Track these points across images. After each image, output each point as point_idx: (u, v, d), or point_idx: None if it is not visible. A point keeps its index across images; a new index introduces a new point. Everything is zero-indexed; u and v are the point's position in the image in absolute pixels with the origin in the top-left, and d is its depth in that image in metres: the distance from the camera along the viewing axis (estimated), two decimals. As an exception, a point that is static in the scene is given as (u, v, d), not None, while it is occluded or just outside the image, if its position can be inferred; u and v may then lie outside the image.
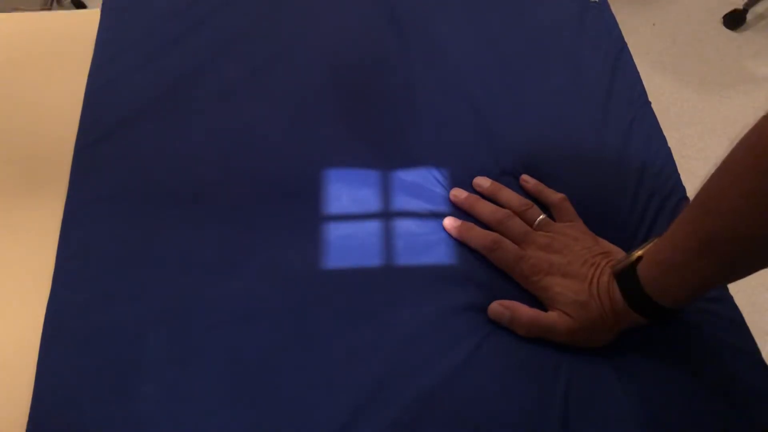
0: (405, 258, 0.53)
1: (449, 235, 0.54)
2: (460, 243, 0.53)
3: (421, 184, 0.57)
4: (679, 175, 0.59)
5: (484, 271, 0.52)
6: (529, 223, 0.53)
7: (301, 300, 0.50)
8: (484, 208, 0.55)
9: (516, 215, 0.54)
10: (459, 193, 0.56)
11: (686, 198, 0.57)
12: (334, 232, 0.54)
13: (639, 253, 0.45)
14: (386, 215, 0.55)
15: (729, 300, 0.51)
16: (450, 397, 0.46)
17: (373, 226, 0.55)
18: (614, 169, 0.59)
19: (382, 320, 0.49)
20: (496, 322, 0.49)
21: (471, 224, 0.54)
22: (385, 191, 0.57)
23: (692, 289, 0.43)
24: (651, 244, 0.45)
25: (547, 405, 0.45)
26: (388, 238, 0.54)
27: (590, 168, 0.59)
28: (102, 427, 0.44)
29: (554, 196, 0.55)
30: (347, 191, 0.57)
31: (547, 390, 0.46)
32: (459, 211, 0.56)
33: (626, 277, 0.45)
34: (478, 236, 0.53)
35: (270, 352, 0.48)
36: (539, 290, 0.49)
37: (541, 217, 0.53)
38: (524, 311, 0.48)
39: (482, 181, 0.57)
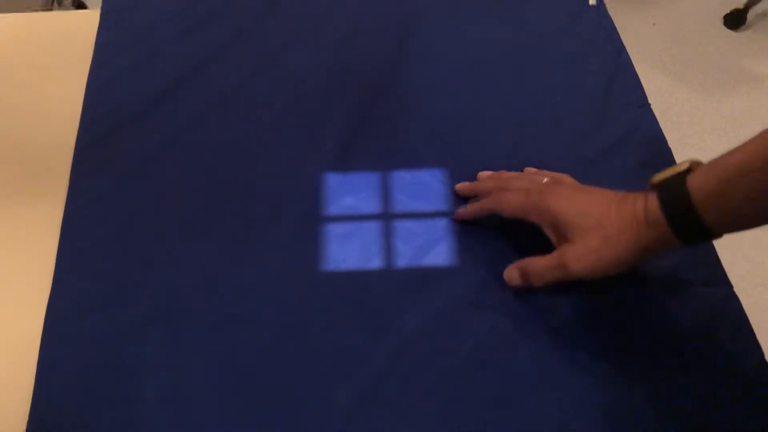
0: (405, 258, 0.53)
1: (449, 234, 0.54)
2: (460, 243, 0.53)
3: (421, 184, 0.57)
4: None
5: (484, 270, 0.52)
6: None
7: (301, 300, 0.50)
8: (487, 182, 0.55)
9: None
10: (462, 185, 0.56)
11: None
12: (334, 232, 0.54)
13: (687, 164, 0.41)
14: (386, 216, 0.55)
15: (733, 299, 0.51)
16: (450, 398, 0.46)
17: (373, 227, 0.55)
18: (615, 170, 0.59)
19: (382, 320, 0.49)
20: (511, 285, 0.49)
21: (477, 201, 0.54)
22: (385, 191, 0.57)
23: (750, 208, 0.39)
24: (698, 162, 0.41)
25: (549, 406, 0.45)
26: (388, 238, 0.54)
27: (591, 169, 0.59)
28: (102, 427, 0.44)
29: (558, 174, 0.55)
30: (347, 191, 0.57)
31: (549, 390, 0.46)
32: (463, 205, 0.56)
33: (671, 187, 0.40)
34: (483, 202, 0.52)
35: (270, 353, 0.48)
36: (551, 217, 0.46)
37: (547, 178, 0.53)
38: (535, 261, 0.47)
39: (484, 173, 0.57)
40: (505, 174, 0.56)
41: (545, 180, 0.53)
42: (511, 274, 0.49)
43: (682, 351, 0.48)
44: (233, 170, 0.58)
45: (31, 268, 0.52)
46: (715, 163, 0.40)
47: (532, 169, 0.57)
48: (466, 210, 0.54)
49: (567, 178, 0.54)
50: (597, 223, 0.42)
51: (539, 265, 0.47)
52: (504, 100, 0.64)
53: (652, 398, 0.46)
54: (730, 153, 0.40)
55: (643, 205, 0.42)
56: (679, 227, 0.40)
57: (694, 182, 0.40)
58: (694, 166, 0.41)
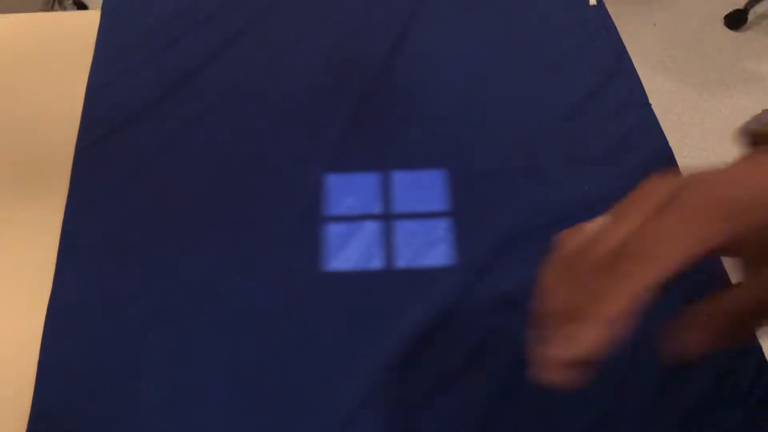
0: (405, 258, 0.53)
1: (449, 234, 0.54)
2: (460, 242, 0.53)
3: (421, 184, 0.57)
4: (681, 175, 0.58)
5: (485, 270, 0.52)
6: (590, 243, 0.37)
7: (301, 300, 0.50)
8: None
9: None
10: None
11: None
12: (335, 232, 0.54)
13: None
14: (387, 216, 0.55)
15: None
16: (449, 400, 0.46)
17: (374, 227, 0.55)
18: (616, 170, 0.59)
19: (383, 321, 0.49)
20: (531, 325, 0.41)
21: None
22: (386, 192, 0.57)
23: None
24: None
25: (550, 405, 0.45)
26: (388, 238, 0.54)
27: (591, 170, 0.59)
28: (102, 427, 0.44)
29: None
30: (347, 191, 0.57)
31: (546, 390, 0.46)
32: (466, 214, 0.55)
33: None
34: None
35: (270, 353, 0.48)
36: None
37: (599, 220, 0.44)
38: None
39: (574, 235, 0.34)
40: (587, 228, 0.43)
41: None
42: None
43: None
44: (233, 170, 0.58)
45: (31, 268, 0.52)
46: None
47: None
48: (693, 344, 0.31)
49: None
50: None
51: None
52: (504, 100, 0.64)
53: (652, 397, 0.46)
54: None
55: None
56: None
57: None
58: None
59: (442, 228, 0.54)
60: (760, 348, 0.48)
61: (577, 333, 0.24)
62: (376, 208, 0.56)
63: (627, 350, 0.48)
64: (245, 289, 0.51)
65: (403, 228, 0.54)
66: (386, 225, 0.55)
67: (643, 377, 0.47)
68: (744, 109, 1.66)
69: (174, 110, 0.62)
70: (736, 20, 1.85)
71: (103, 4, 0.72)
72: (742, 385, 0.47)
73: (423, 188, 0.57)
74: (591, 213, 0.56)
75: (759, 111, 1.63)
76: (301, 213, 0.55)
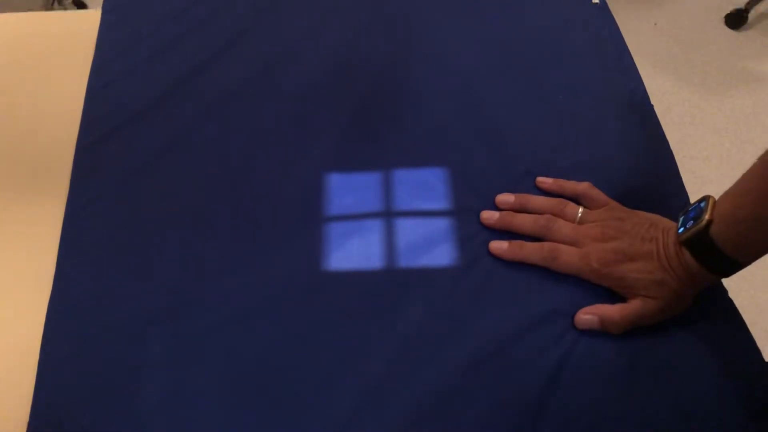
0: (406, 257, 0.53)
1: (451, 233, 0.54)
2: (460, 241, 0.53)
3: (423, 183, 0.57)
4: (680, 176, 0.59)
5: (486, 269, 0.52)
6: (571, 220, 0.53)
7: (301, 300, 0.50)
8: (524, 221, 0.53)
9: (556, 217, 0.53)
10: (490, 215, 0.54)
11: (688, 201, 0.57)
12: (336, 231, 0.54)
13: (708, 216, 0.44)
14: (388, 214, 0.55)
15: (728, 300, 0.51)
16: (451, 398, 0.46)
17: (375, 226, 0.55)
18: (615, 170, 0.59)
19: (383, 320, 0.49)
20: (586, 329, 0.48)
21: (520, 242, 0.52)
22: (387, 191, 0.57)
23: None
24: (713, 205, 0.45)
25: (550, 404, 0.45)
26: (390, 237, 0.54)
27: (591, 169, 0.59)
28: (102, 427, 0.44)
29: (578, 186, 0.55)
30: (348, 191, 0.57)
31: (549, 388, 0.46)
32: (467, 213, 0.55)
33: (699, 242, 0.45)
34: (532, 251, 0.51)
35: (270, 353, 0.48)
36: (614, 281, 0.49)
37: (580, 210, 0.53)
38: (611, 311, 0.48)
39: (506, 197, 0.55)
40: (533, 202, 0.55)
41: (580, 214, 0.52)
42: (590, 320, 0.48)
43: (677, 352, 0.48)
44: (234, 169, 0.58)
45: (32, 267, 0.52)
46: (733, 205, 0.44)
47: (548, 179, 0.56)
48: (513, 255, 0.52)
49: (591, 191, 0.54)
50: (662, 280, 0.47)
51: (620, 317, 0.48)
52: (505, 99, 0.64)
53: (650, 398, 0.46)
54: (748, 186, 0.44)
55: (685, 261, 0.46)
56: (718, 272, 0.46)
57: (717, 233, 0.44)
58: (716, 215, 0.45)
59: (442, 227, 0.54)
60: (757, 349, 0.48)
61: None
62: (377, 207, 0.56)
63: (622, 352, 0.48)
64: (245, 289, 0.51)
65: (403, 227, 0.54)
66: (386, 224, 0.55)
67: (638, 378, 0.47)
68: (744, 109, 1.66)
69: (174, 110, 0.62)
70: (736, 20, 1.85)
71: (103, 4, 0.72)
72: (741, 386, 0.47)
73: (424, 187, 0.57)
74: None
75: (759, 110, 1.63)
76: (302, 212, 0.55)
